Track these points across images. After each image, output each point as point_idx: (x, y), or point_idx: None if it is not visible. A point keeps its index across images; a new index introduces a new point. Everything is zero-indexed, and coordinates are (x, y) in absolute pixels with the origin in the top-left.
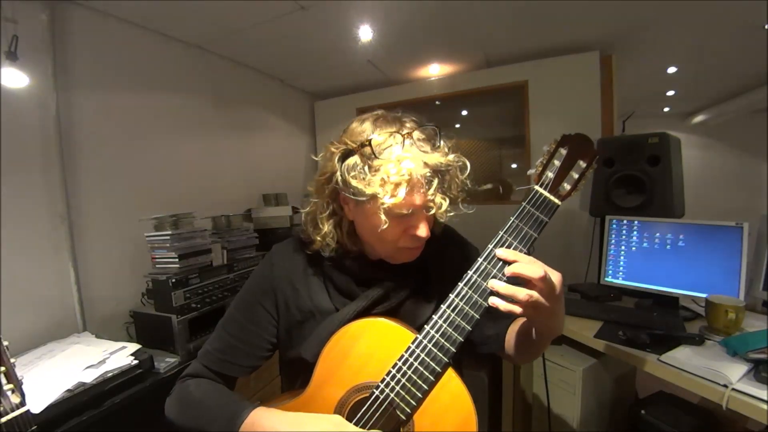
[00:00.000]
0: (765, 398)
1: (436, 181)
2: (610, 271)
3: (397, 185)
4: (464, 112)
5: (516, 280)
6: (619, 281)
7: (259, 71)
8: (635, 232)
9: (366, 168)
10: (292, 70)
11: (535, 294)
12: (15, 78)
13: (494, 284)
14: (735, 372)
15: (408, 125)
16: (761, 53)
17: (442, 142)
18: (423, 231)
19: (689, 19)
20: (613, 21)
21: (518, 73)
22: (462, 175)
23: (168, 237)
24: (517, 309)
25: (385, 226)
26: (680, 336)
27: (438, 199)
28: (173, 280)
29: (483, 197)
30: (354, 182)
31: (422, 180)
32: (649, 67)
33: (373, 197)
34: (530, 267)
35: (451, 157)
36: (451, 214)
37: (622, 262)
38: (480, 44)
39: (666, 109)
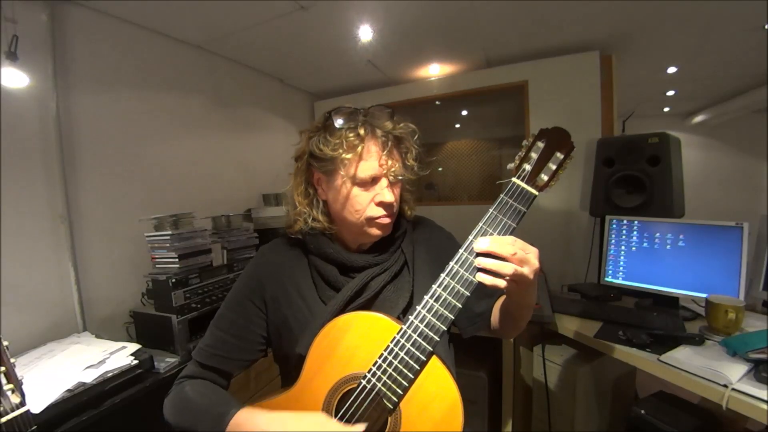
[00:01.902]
0: (765, 398)
1: (390, 144)
2: (610, 271)
3: (355, 145)
4: (464, 112)
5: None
6: (619, 281)
7: (259, 71)
8: (635, 232)
9: (329, 136)
10: (292, 70)
11: (519, 268)
12: (15, 78)
13: (481, 261)
14: (735, 372)
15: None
16: (761, 53)
17: (395, 118)
18: (388, 195)
19: (689, 19)
20: (613, 21)
21: (518, 73)
22: (413, 140)
23: (168, 237)
24: (502, 283)
25: (355, 197)
26: (680, 336)
27: (392, 161)
28: (173, 280)
29: (479, 196)
30: (318, 151)
31: (377, 144)
32: (649, 67)
33: (338, 161)
34: (505, 246)
35: (400, 124)
36: (400, 177)
37: (622, 262)
38: (480, 44)
39: (666, 109)
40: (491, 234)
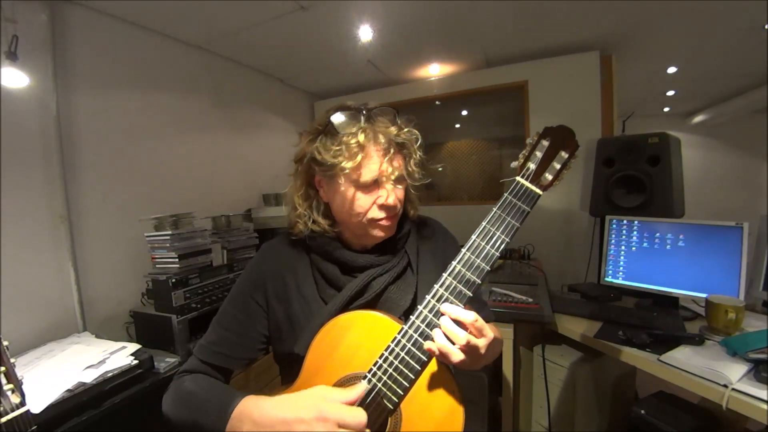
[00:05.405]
0: (765, 398)
1: (392, 150)
2: (610, 271)
3: (355, 153)
4: (464, 112)
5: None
6: (619, 281)
7: (259, 71)
8: (635, 232)
9: (329, 142)
10: (292, 70)
11: (472, 339)
12: (15, 78)
13: (443, 332)
14: (735, 372)
15: (370, 106)
16: (761, 53)
17: (399, 121)
18: (390, 198)
19: (689, 19)
20: (613, 21)
21: (518, 73)
22: (416, 146)
23: (168, 237)
24: (458, 356)
25: (357, 200)
26: (680, 336)
27: (394, 166)
28: (173, 280)
29: (479, 196)
30: (319, 156)
31: (379, 150)
32: (649, 67)
33: (338, 167)
34: (468, 315)
35: (404, 130)
36: (400, 187)
37: (622, 262)
38: (480, 44)
39: (666, 109)
40: (497, 236)
